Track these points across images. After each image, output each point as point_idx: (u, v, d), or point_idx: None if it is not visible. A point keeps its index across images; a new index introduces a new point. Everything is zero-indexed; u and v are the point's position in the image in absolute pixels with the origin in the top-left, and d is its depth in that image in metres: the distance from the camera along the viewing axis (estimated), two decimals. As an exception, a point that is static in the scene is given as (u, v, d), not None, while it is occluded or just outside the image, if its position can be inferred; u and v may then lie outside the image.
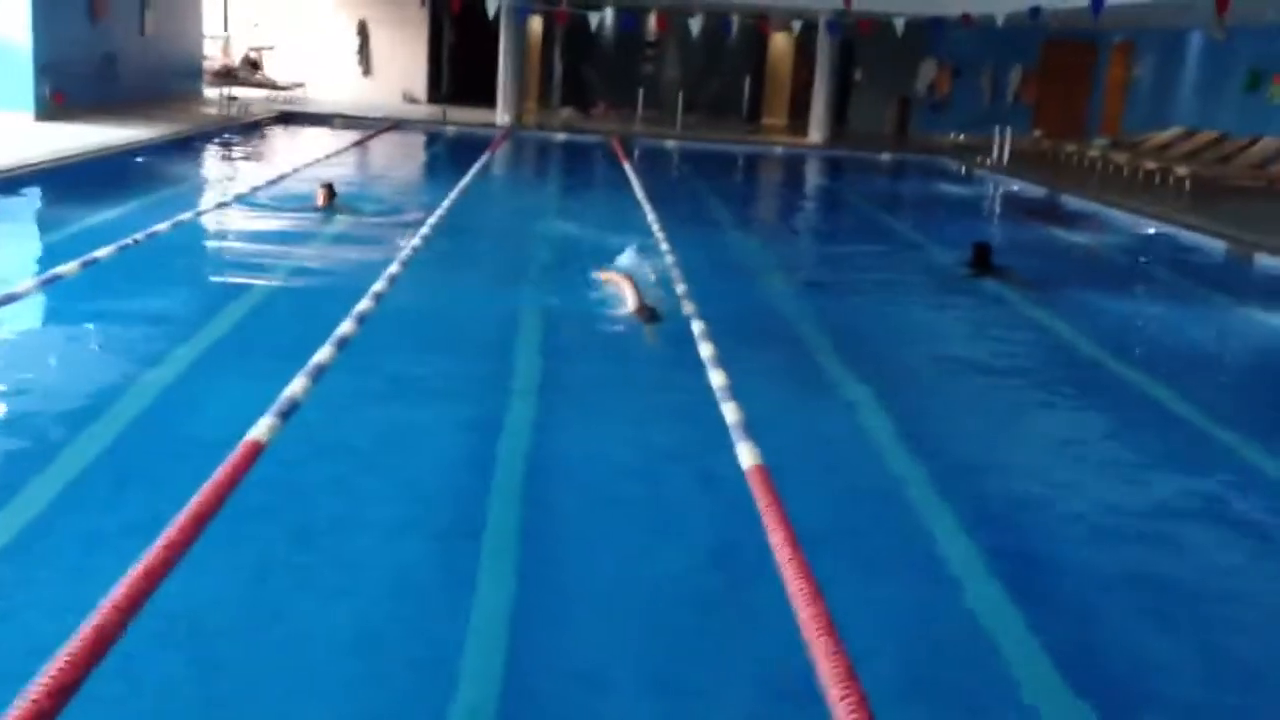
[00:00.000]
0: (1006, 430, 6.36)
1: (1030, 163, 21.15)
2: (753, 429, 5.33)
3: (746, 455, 5.06)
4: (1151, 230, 14.32)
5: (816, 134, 24.58)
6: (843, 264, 11.61)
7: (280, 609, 3.81)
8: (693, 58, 30.22)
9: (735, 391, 5.91)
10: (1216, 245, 13.03)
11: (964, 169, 21.09)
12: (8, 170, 11.64)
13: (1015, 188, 18.80)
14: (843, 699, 3.10)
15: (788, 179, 20.83)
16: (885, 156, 22.82)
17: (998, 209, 17.17)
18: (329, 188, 11.46)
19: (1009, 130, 21.29)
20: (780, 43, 30.07)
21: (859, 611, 3.81)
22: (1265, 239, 12.71)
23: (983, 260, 10.52)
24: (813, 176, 20.87)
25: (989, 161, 20.90)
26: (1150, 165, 18.62)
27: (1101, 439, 6.31)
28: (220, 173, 15.29)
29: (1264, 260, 12.14)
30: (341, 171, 15.03)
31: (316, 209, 11.21)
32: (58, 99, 16.58)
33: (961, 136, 25.07)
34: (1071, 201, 16.85)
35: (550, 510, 4.71)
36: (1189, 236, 13.67)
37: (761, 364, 6.95)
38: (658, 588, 4.11)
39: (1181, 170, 17.68)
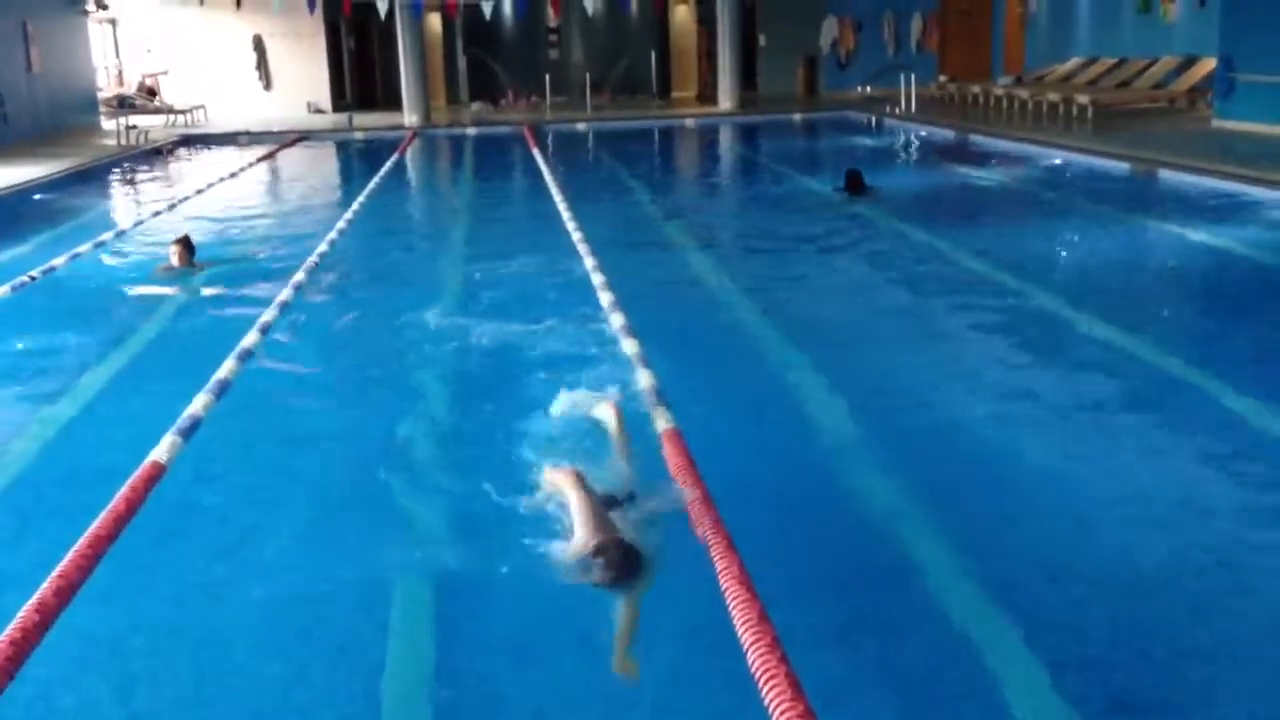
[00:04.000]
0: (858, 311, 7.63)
1: (938, 108, 21.34)
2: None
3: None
4: (1057, 160, 14.52)
5: (726, 101, 24.59)
6: (744, 217, 11.92)
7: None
8: (595, 39, 30.09)
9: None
10: (1120, 166, 13.25)
11: (872, 120, 21.23)
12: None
13: (923, 133, 18.96)
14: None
15: (698, 147, 20.84)
16: (796, 117, 22.90)
17: (904, 154, 17.31)
18: (183, 243, 9.30)
19: (914, 79, 21.45)
20: (682, 15, 30.01)
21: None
22: (1165, 156, 12.93)
23: (855, 185, 11.99)
24: (724, 141, 20.89)
25: (897, 110, 21.05)
26: (1053, 98, 18.86)
27: (962, 331, 7.07)
28: (116, 204, 14.97)
29: (1166, 176, 12.36)
30: (235, 194, 14.47)
31: (168, 270, 9.15)
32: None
33: (869, 90, 25.22)
34: (978, 140, 17.03)
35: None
36: (1092, 162, 13.88)
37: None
38: None
39: (1082, 99, 17.93)
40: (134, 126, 20.38)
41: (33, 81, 20.09)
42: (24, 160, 16.44)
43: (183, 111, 23.97)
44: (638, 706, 3.29)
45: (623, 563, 3.66)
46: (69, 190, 14.85)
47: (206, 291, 8.64)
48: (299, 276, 8.62)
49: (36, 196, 14.22)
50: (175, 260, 9.17)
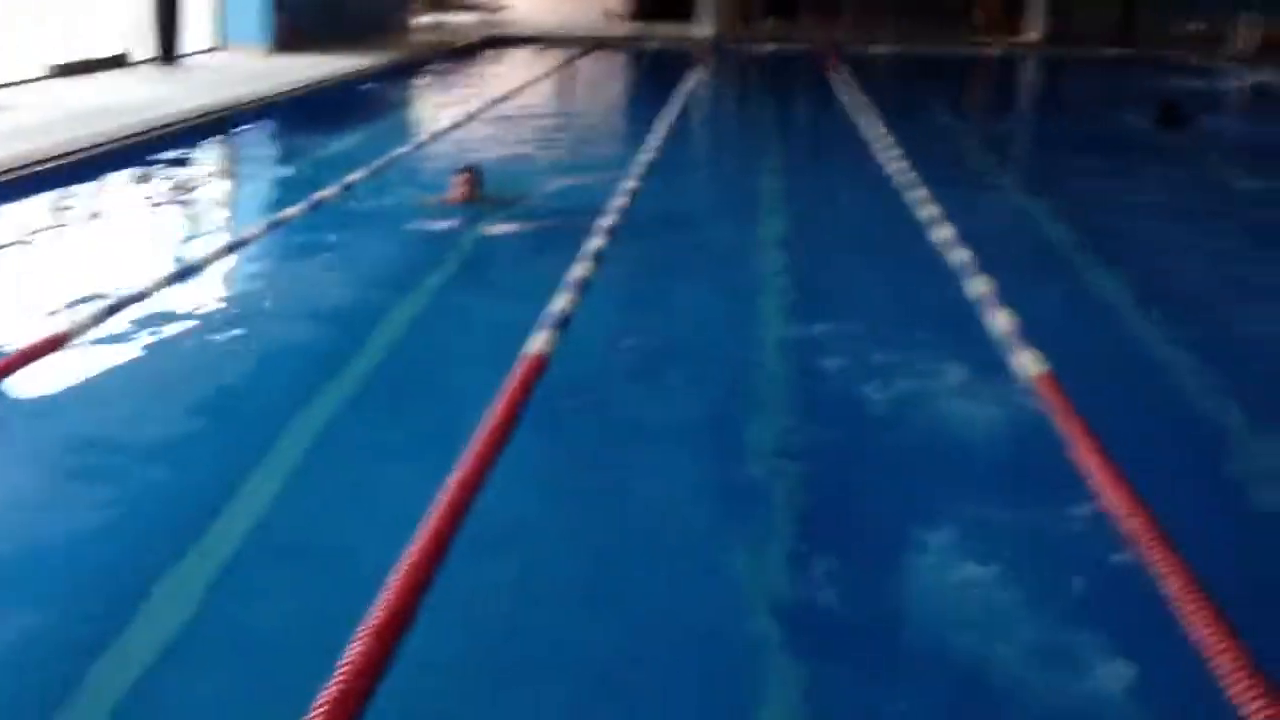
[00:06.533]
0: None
1: None
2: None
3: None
4: None
5: (1034, 32, 23.27)
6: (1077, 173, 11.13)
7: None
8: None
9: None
10: None
11: (1199, 61, 19.58)
12: (268, 96, 12.36)
13: (1262, 78, 17.34)
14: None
15: (1001, 79, 19.84)
16: (1111, 52, 21.40)
17: (1235, 100, 15.90)
18: (469, 174, 8.03)
19: (1257, 16, 19.62)
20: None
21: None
22: None
23: (1171, 116, 12.17)
24: (1030, 77, 19.79)
25: (1231, 51, 19.33)
26: None
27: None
28: (435, 100, 15.58)
29: None
30: (530, 104, 14.38)
31: (452, 203, 7.95)
32: (292, 32, 17.23)
33: (1199, 26, 23.23)
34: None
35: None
36: None
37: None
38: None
39: None
40: (444, 24, 21.16)
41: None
42: (355, 51, 17.34)
43: (491, 9, 24.67)
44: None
45: None
46: (394, 82, 15.64)
47: (498, 230, 7.59)
48: (608, 221, 7.37)
49: (365, 86, 15.04)
50: (460, 193, 7.94)
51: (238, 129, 11.25)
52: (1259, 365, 5.38)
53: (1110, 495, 3.72)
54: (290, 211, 7.69)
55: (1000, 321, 5.46)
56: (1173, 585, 3.20)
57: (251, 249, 6.99)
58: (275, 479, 3.98)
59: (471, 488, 3.53)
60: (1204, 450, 4.37)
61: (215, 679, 2.91)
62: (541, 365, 4.78)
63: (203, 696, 2.84)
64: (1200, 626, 3.02)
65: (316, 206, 7.90)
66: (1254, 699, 2.72)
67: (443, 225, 7.58)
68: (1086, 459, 3.97)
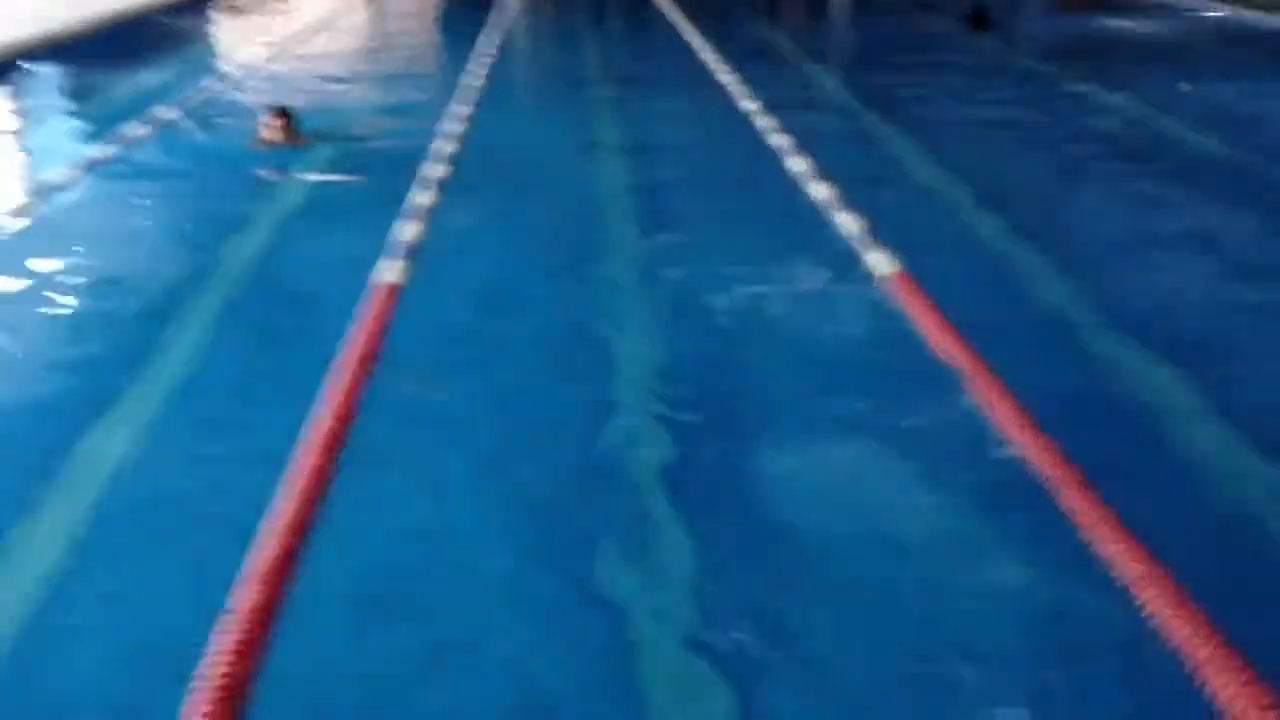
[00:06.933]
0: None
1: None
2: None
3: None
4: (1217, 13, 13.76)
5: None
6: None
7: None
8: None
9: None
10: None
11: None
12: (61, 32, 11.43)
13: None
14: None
15: None
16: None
17: (1039, 4, 16.49)
18: (282, 113, 7.48)
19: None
20: None
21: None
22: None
23: (980, 18, 12.78)
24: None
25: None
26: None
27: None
28: (243, 32, 14.82)
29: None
30: (351, 27, 13.96)
31: (262, 145, 7.39)
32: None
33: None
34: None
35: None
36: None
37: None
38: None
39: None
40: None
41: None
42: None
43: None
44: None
45: None
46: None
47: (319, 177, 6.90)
48: (438, 145, 7.16)
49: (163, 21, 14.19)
50: (270, 134, 7.43)
51: (32, 65, 10.47)
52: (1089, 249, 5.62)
53: (975, 384, 3.86)
54: (99, 152, 7.20)
55: (847, 223, 5.56)
56: (1039, 460, 3.35)
57: (60, 196, 6.50)
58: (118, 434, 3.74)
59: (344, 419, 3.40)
60: (1053, 334, 4.54)
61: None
62: (393, 295, 4.64)
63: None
64: (1070, 495, 3.17)
65: (128, 146, 7.42)
66: (1132, 561, 2.87)
67: (260, 167, 7.03)
68: (947, 352, 4.09)
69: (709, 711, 2.51)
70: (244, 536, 2.92)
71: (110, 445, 3.59)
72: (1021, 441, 3.47)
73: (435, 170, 6.64)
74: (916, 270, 4.92)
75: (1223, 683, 2.41)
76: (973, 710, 2.53)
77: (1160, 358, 4.24)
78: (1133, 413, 3.88)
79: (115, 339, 4.53)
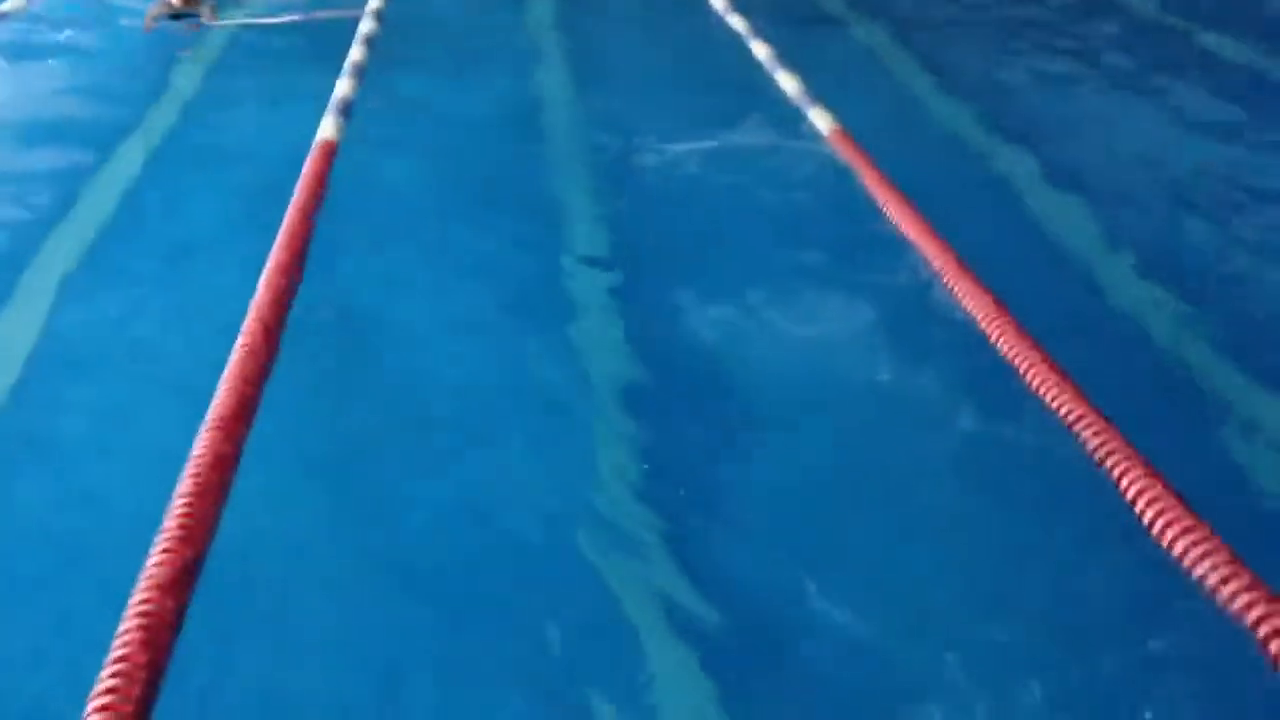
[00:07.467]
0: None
1: None
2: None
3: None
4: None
5: None
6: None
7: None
8: None
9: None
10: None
11: None
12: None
13: None
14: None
15: None
16: None
17: None
18: None
19: None
20: None
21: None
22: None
23: None
24: None
25: None
26: None
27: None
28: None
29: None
30: None
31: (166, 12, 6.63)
32: None
33: None
34: None
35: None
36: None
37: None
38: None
39: None
40: None
41: None
42: None
43: None
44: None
45: None
46: None
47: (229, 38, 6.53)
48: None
49: None
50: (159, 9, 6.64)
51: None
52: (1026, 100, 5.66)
53: (917, 240, 3.90)
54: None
55: (787, 83, 5.53)
56: (975, 309, 3.41)
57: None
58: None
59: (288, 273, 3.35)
60: (999, 192, 4.61)
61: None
62: (331, 152, 4.54)
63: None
64: (1005, 345, 3.24)
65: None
66: (1080, 421, 2.93)
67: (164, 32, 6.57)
68: (891, 211, 4.12)
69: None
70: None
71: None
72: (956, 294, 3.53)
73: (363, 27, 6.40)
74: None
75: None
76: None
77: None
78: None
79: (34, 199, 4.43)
